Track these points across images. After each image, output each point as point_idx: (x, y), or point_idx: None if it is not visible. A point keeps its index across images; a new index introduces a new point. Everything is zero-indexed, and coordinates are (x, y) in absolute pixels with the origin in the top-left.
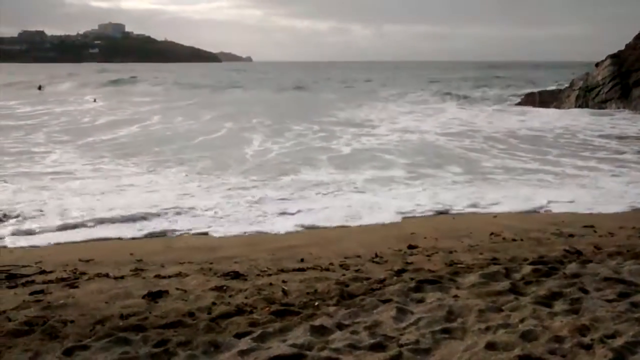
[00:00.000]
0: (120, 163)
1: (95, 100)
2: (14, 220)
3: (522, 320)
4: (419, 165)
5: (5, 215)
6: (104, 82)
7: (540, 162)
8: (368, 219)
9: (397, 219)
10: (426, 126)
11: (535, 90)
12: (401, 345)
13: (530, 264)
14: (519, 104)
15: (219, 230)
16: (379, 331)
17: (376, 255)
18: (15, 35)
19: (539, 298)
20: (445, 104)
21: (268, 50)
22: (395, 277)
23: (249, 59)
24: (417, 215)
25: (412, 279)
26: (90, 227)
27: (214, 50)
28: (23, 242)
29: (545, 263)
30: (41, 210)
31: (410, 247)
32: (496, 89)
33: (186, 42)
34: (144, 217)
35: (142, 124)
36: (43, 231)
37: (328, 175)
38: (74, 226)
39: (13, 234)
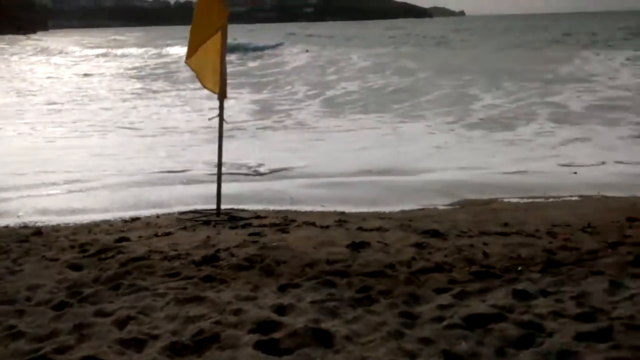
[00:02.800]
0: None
1: (307, 51)
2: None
3: None
4: None
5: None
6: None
7: None
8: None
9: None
10: None
11: None
12: (612, 319)
13: None
14: None
15: None
16: (587, 302)
17: (588, 226)
18: None
19: None
20: None
21: (482, 2)
22: (609, 250)
23: (461, 14)
24: None
25: (629, 252)
26: None
27: (426, 5)
28: None
29: None
30: None
31: (630, 219)
32: None
33: None
34: None
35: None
36: None
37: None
38: None
39: None
